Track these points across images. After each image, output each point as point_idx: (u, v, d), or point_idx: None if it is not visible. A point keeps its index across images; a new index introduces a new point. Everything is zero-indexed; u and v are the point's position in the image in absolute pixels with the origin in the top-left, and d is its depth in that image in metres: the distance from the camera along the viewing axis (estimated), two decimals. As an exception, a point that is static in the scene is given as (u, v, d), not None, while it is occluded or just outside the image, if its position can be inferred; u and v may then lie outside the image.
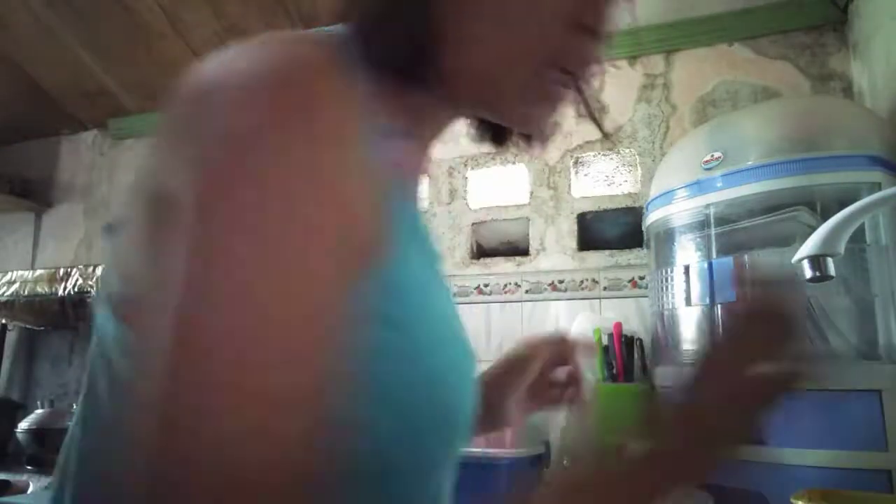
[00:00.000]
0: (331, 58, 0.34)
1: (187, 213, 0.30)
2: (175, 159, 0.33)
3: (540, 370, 0.68)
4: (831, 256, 0.62)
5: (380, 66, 0.39)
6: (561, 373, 0.70)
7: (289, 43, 0.35)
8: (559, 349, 0.70)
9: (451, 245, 1.84)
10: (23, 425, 1.83)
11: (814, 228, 0.79)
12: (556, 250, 1.73)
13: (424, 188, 1.86)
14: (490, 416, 0.64)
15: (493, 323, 1.74)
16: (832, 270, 0.62)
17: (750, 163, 1.11)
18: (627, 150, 1.72)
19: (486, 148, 0.55)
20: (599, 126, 0.56)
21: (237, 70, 0.33)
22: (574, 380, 0.69)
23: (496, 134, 0.54)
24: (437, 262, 0.45)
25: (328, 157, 0.32)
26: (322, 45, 0.36)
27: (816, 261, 0.63)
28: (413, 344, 0.37)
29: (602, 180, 1.76)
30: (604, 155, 1.75)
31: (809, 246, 0.63)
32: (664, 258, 1.33)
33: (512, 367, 0.69)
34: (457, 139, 1.67)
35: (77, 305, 2.03)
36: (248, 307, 0.29)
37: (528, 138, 0.53)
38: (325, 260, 0.31)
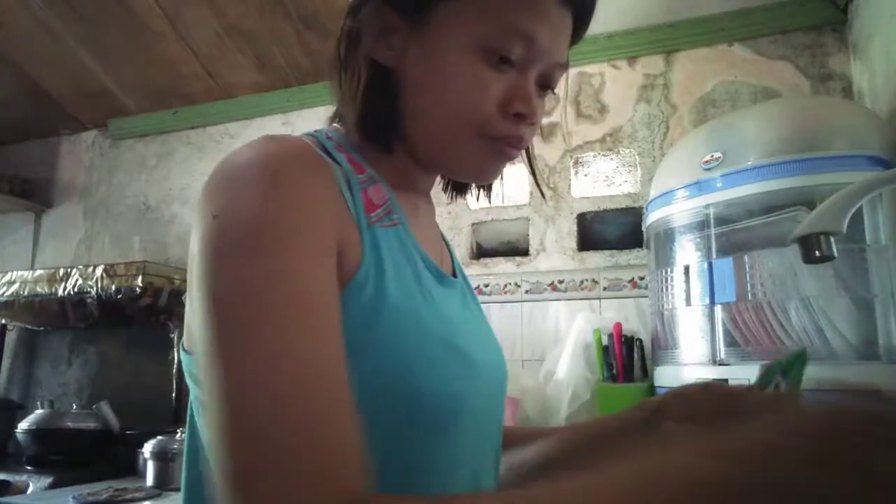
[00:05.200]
0: (306, 146, 0.48)
1: (208, 278, 0.40)
2: (196, 236, 0.43)
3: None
4: (833, 235, 0.58)
5: (367, 142, 0.55)
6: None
7: (276, 140, 0.47)
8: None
9: (451, 245, 1.84)
10: (23, 425, 1.83)
11: (814, 228, 0.78)
12: (555, 250, 1.73)
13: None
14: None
15: (493, 323, 1.72)
16: (834, 250, 0.58)
17: (750, 163, 1.11)
18: (627, 150, 1.72)
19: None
20: (539, 185, 0.70)
21: (240, 173, 0.44)
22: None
23: (456, 185, 0.67)
24: (426, 272, 0.54)
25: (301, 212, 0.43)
26: (304, 141, 0.50)
27: (817, 239, 0.58)
28: (378, 340, 0.46)
29: (602, 180, 1.76)
30: (604, 155, 1.75)
31: (809, 223, 0.59)
32: (664, 258, 1.33)
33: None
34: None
35: (77, 305, 2.02)
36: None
37: (483, 188, 0.67)
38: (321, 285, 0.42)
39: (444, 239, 0.70)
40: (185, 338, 0.51)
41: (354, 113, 0.54)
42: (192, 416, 0.52)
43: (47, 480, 1.64)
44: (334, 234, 0.45)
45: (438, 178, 0.66)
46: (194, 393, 0.50)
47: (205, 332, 0.39)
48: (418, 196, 0.60)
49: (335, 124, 0.59)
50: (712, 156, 1.18)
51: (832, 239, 0.58)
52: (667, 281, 1.28)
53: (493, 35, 0.50)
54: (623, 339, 1.41)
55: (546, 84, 0.56)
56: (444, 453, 0.49)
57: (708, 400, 0.63)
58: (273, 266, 0.40)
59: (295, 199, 0.43)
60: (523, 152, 0.61)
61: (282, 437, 0.35)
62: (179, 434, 1.56)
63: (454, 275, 0.64)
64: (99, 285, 1.91)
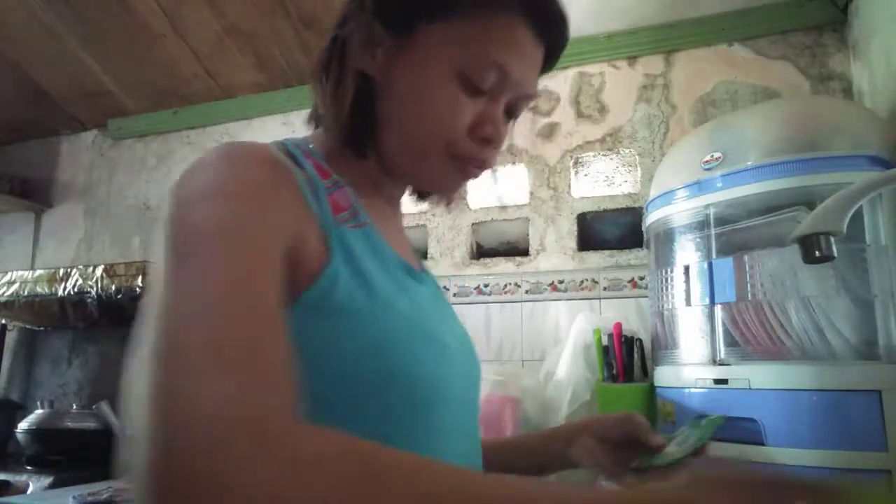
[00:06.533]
0: (267, 150, 0.50)
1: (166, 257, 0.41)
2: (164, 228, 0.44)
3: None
4: (833, 235, 0.58)
5: (344, 147, 0.58)
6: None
7: (237, 143, 0.50)
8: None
9: (451, 245, 1.84)
10: (23, 425, 1.83)
11: (814, 228, 0.78)
12: (555, 250, 1.73)
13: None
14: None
15: (493, 323, 1.74)
16: (834, 250, 0.58)
17: (750, 163, 1.11)
18: (627, 150, 1.72)
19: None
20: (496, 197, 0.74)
21: (201, 164, 0.47)
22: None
23: (419, 192, 0.70)
24: (397, 268, 0.56)
25: (252, 212, 0.44)
26: (267, 145, 0.52)
27: (817, 239, 0.58)
28: (360, 329, 0.48)
29: (602, 180, 1.76)
30: (604, 155, 1.75)
31: (809, 223, 0.59)
32: (664, 258, 1.33)
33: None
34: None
35: (77, 305, 2.03)
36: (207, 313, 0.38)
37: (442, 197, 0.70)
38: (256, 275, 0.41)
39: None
40: None
41: (336, 117, 0.57)
42: None
43: (47, 480, 1.64)
44: (289, 222, 0.46)
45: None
46: None
47: (161, 269, 0.41)
48: (384, 201, 0.63)
49: (309, 133, 0.62)
50: (712, 156, 1.18)
51: (832, 239, 0.58)
52: (667, 281, 1.28)
53: (471, 63, 0.54)
54: (623, 339, 1.41)
55: (512, 112, 0.60)
56: (420, 440, 0.51)
57: (623, 429, 0.68)
58: (219, 211, 0.42)
59: (251, 177, 0.46)
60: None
61: (220, 341, 0.36)
62: (179, 434, 1.55)
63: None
64: (99, 285, 1.91)
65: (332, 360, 0.47)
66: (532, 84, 0.58)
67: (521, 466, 0.72)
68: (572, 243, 1.72)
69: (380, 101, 0.57)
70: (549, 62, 0.60)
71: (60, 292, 1.98)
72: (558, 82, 1.80)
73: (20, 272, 2.09)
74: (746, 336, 1.09)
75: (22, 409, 2.11)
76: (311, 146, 0.58)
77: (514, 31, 0.54)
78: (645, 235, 1.48)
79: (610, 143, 1.73)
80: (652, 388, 1.32)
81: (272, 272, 0.42)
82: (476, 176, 0.60)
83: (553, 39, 0.58)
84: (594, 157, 1.76)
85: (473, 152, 0.56)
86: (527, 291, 1.73)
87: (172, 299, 0.38)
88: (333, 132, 0.58)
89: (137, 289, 1.86)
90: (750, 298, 1.10)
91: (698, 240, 1.23)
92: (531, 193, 1.79)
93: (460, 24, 0.54)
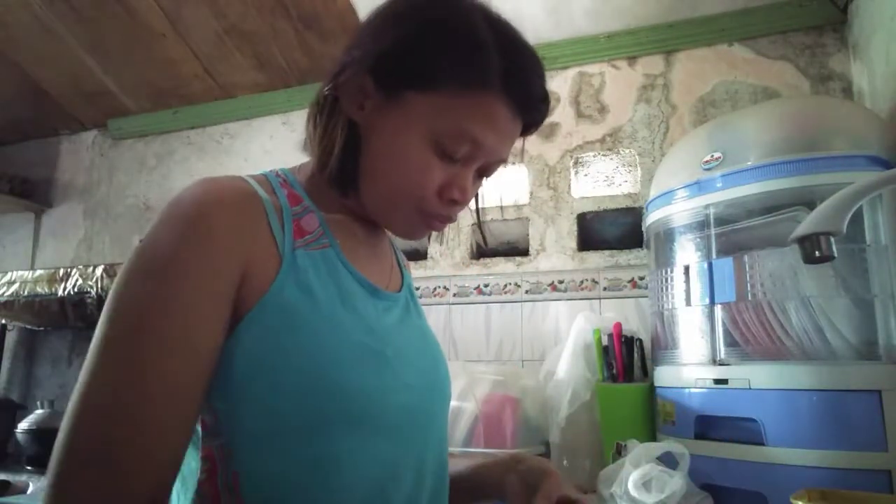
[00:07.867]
0: (238, 188, 0.55)
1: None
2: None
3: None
4: (833, 235, 0.58)
5: (328, 183, 0.62)
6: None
7: (210, 184, 0.54)
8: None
9: (451, 245, 1.85)
10: (23, 425, 1.83)
11: (814, 228, 0.78)
12: (555, 250, 1.73)
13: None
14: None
15: (493, 323, 1.74)
16: (834, 250, 0.58)
17: (750, 163, 1.11)
18: (627, 150, 1.72)
19: None
20: (482, 232, 0.84)
21: (176, 201, 0.52)
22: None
23: None
24: (355, 287, 0.60)
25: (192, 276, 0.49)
26: (242, 179, 0.57)
27: (817, 239, 0.59)
28: (300, 340, 0.52)
29: (602, 180, 1.76)
30: (604, 155, 1.75)
31: (809, 223, 0.59)
32: (664, 258, 1.33)
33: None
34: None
35: (77, 305, 2.03)
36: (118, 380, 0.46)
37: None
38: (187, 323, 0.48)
39: (398, 261, 0.77)
40: None
41: (324, 160, 0.61)
42: None
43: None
44: (236, 268, 0.51)
45: None
46: None
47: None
48: (362, 227, 0.67)
49: (297, 164, 0.67)
50: (712, 156, 1.18)
51: (832, 239, 0.58)
52: (667, 281, 1.28)
53: (448, 134, 0.58)
54: (623, 339, 1.41)
55: (483, 173, 0.66)
56: (353, 450, 0.53)
57: (540, 481, 0.65)
58: (156, 292, 0.47)
59: (202, 241, 0.50)
60: (473, 205, 0.73)
61: (87, 443, 0.44)
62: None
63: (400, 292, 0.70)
64: (99, 285, 1.91)
65: (280, 370, 0.51)
66: (505, 152, 0.63)
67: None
68: (572, 243, 1.72)
69: (363, 149, 0.61)
70: (527, 131, 0.65)
71: (60, 292, 1.98)
72: (558, 82, 1.80)
73: (20, 272, 2.09)
74: (746, 336, 1.09)
75: (22, 409, 2.11)
76: (292, 176, 0.64)
77: (494, 109, 0.58)
78: (645, 235, 1.48)
79: (610, 143, 1.73)
80: (652, 388, 1.32)
81: (195, 349, 0.48)
82: (439, 229, 0.66)
83: (531, 118, 0.62)
84: (594, 157, 1.76)
85: (440, 210, 0.62)
86: (527, 291, 1.73)
87: (83, 382, 0.45)
88: (321, 172, 0.62)
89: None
90: (750, 298, 1.10)
91: (698, 240, 1.23)
92: (531, 193, 1.79)
93: (443, 97, 0.57)
